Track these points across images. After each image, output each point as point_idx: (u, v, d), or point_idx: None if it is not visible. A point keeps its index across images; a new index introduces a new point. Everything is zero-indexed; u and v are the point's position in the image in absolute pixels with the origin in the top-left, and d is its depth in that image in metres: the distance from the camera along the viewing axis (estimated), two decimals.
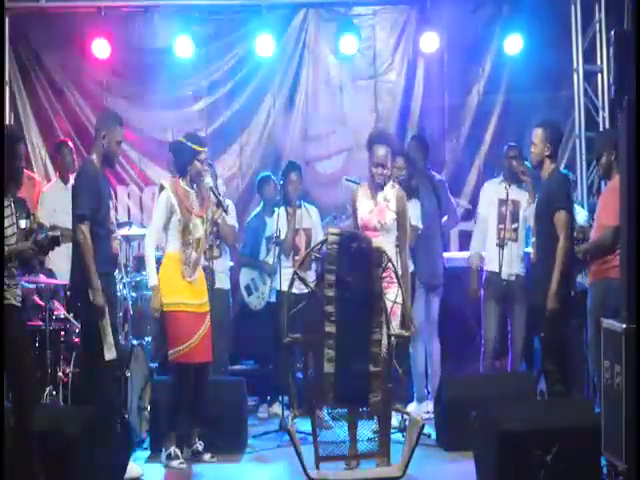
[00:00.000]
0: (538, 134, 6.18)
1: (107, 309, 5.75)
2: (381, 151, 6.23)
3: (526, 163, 7.07)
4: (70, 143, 8.26)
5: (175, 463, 6.19)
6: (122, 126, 6.08)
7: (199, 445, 6.34)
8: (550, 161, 6.18)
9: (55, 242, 5.21)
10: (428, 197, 7.64)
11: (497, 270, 7.15)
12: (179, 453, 6.24)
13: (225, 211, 6.52)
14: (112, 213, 6.12)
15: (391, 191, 6.31)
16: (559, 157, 7.27)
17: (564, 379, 6.09)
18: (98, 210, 5.81)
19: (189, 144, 6.29)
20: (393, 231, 6.25)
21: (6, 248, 4.92)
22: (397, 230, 6.26)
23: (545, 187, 6.20)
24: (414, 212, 7.27)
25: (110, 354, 5.73)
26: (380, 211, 6.25)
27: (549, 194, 6.13)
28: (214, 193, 6.39)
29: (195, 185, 6.36)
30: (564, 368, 6.14)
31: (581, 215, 7.47)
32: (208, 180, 6.38)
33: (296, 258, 7.38)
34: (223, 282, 7.50)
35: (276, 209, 7.68)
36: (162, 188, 6.33)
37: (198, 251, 6.30)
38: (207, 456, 6.34)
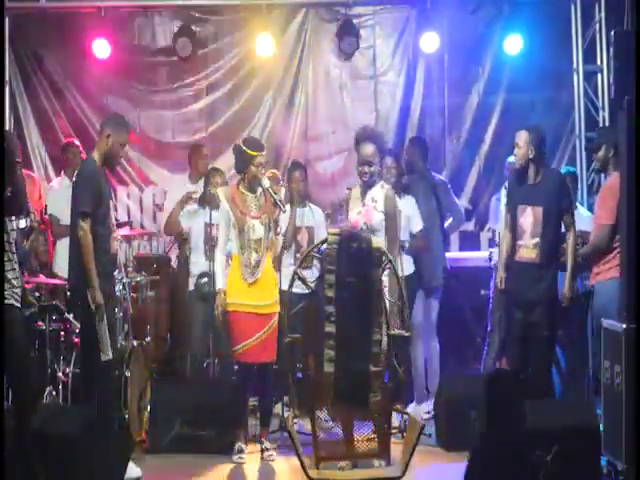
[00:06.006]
0: (522, 136, 6.20)
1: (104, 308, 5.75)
2: (368, 149, 6.25)
3: None
4: (77, 142, 8.18)
5: (235, 457, 6.36)
6: (129, 132, 6.08)
7: (266, 443, 6.46)
8: (536, 165, 6.17)
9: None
10: (427, 198, 7.62)
11: None
12: (244, 448, 6.40)
13: (282, 210, 6.50)
14: (112, 213, 6.11)
15: (380, 191, 6.29)
16: (549, 159, 7.26)
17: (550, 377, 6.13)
18: (99, 208, 5.80)
19: (244, 148, 6.36)
20: (380, 232, 6.19)
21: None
22: (385, 232, 6.24)
23: (546, 188, 6.16)
24: (410, 210, 7.23)
25: (106, 355, 5.72)
26: (367, 212, 6.24)
27: (555, 195, 6.10)
28: (270, 194, 6.41)
29: (254, 188, 6.42)
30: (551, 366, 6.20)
31: (585, 217, 7.46)
32: (265, 182, 6.41)
33: (297, 256, 7.37)
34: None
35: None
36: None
37: (259, 252, 6.36)
38: (267, 454, 6.42)
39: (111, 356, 5.76)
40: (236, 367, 6.75)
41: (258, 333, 6.29)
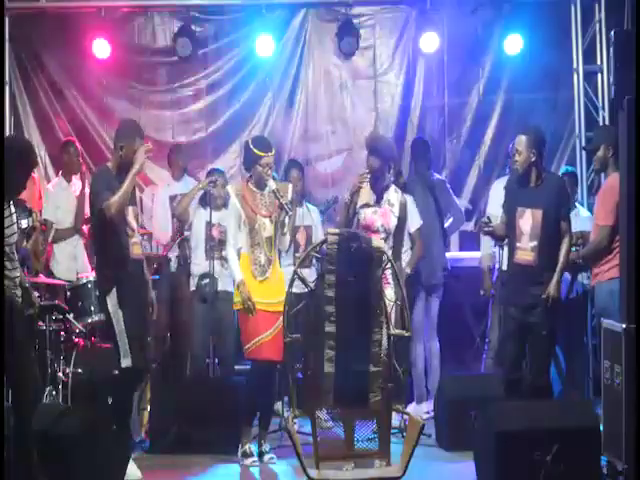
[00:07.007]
0: (522, 141, 6.11)
1: (120, 314, 5.67)
2: (371, 162, 6.26)
3: None
4: (77, 143, 8.14)
5: (249, 461, 6.28)
6: (142, 136, 5.85)
7: (265, 446, 6.40)
8: (537, 168, 6.13)
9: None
10: (426, 197, 7.64)
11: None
12: (254, 450, 6.32)
13: (287, 214, 6.43)
14: (132, 218, 5.87)
15: (394, 195, 6.31)
16: (549, 159, 7.24)
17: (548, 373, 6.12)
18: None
19: (252, 147, 6.30)
20: (391, 235, 6.25)
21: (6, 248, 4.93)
22: (394, 235, 6.25)
23: (547, 192, 6.12)
24: (408, 209, 7.20)
25: (125, 361, 5.65)
26: (384, 214, 6.24)
27: (555, 199, 6.08)
28: (276, 196, 6.35)
29: (262, 186, 6.37)
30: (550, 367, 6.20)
31: (584, 217, 7.45)
32: (271, 183, 6.36)
33: (296, 255, 7.37)
34: (227, 285, 7.46)
35: None
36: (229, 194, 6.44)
37: (271, 250, 6.33)
38: (267, 457, 6.37)
39: (130, 364, 5.65)
40: (242, 367, 6.74)
41: (270, 330, 6.23)
